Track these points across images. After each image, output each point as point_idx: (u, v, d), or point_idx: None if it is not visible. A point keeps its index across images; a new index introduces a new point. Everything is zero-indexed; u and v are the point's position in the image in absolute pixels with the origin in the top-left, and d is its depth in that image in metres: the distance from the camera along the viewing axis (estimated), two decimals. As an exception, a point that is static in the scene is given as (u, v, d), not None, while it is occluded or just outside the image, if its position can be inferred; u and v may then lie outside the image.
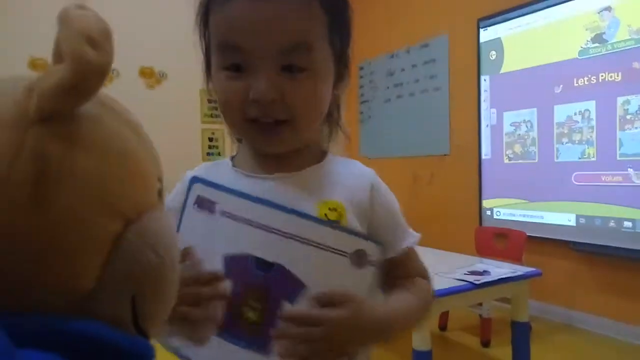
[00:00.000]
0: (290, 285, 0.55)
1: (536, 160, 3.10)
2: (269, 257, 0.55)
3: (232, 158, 0.68)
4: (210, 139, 4.24)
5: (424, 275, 0.68)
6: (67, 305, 0.26)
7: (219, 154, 4.25)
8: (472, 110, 3.54)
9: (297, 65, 0.54)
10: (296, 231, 0.56)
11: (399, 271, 0.64)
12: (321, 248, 0.56)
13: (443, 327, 2.86)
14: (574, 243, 2.88)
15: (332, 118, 0.67)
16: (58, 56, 0.28)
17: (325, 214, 0.58)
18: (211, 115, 4.22)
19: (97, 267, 0.28)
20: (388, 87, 4.38)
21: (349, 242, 0.57)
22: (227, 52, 0.55)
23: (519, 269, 2.04)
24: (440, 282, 1.84)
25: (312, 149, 0.66)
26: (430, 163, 3.96)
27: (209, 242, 0.57)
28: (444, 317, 2.86)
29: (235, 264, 0.56)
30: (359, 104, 4.79)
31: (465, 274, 1.95)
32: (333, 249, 0.56)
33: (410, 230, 0.69)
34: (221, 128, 4.27)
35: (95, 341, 0.26)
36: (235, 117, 0.58)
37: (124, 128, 0.31)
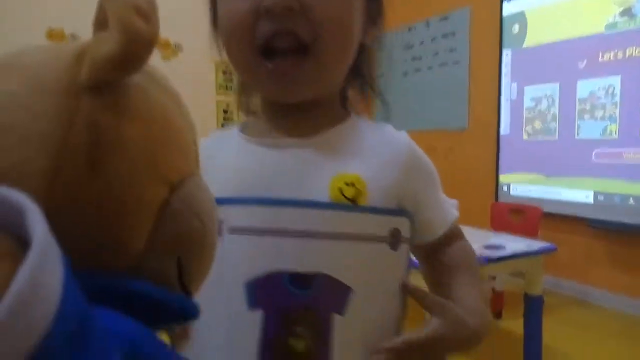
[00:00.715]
0: (337, 294, 0.46)
1: (556, 137, 3.07)
2: (306, 268, 0.45)
3: (244, 124, 0.58)
4: (225, 111, 4.26)
5: (462, 236, 0.61)
6: (120, 266, 0.28)
7: (235, 126, 4.29)
8: (492, 84, 3.49)
9: None
10: (326, 227, 0.46)
11: (445, 243, 0.58)
12: (358, 239, 0.47)
13: (456, 299, 2.90)
14: (591, 220, 2.87)
15: (363, 72, 0.57)
16: (100, 23, 0.27)
17: (340, 189, 0.47)
18: (226, 87, 4.22)
19: (146, 231, 0.29)
20: (406, 61, 4.32)
21: (381, 223, 0.49)
22: None
23: (534, 244, 2.05)
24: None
25: (334, 107, 0.56)
26: (447, 137, 3.94)
27: (221, 273, 0.40)
28: (457, 290, 2.90)
29: (264, 288, 0.45)
30: (376, 77, 4.74)
31: (480, 248, 1.97)
32: (370, 236, 0.48)
33: (448, 199, 0.60)
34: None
35: (149, 299, 0.28)
36: (243, 48, 0.47)
37: (165, 97, 0.32)
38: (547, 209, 2.91)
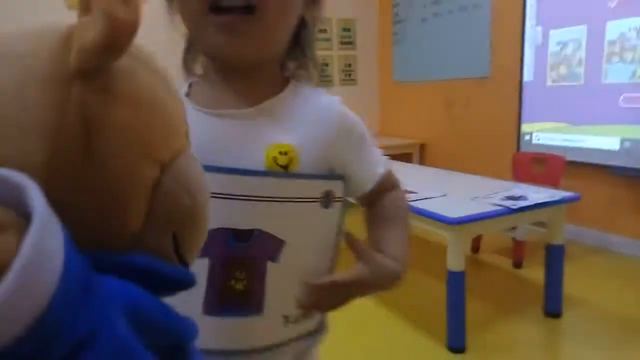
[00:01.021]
0: (271, 246, 0.55)
1: (582, 82, 2.95)
2: (246, 226, 0.54)
3: (189, 87, 0.61)
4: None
5: (396, 185, 0.68)
6: (120, 246, 0.29)
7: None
8: (515, 29, 3.34)
9: None
10: (264, 192, 0.54)
11: (376, 194, 0.64)
12: (292, 201, 0.55)
13: (476, 249, 2.93)
14: (616, 167, 2.81)
15: (302, 45, 0.61)
16: (85, 7, 0.28)
17: (274, 158, 0.54)
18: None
19: (142, 210, 0.30)
20: (425, 6, 4.14)
21: (315, 186, 0.57)
22: None
23: (557, 194, 2.03)
24: (476, 207, 1.86)
25: (273, 74, 0.60)
26: (467, 86, 3.83)
27: None
28: (477, 240, 2.92)
29: (211, 241, 0.49)
30: (393, 25, 4.57)
31: (501, 199, 1.96)
32: (303, 198, 0.56)
33: (379, 153, 0.66)
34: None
35: (148, 271, 0.29)
36: (194, 6, 0.51)
37: (152, 77, 0.32)
38: (570, 157, 2.85)
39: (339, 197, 0.59)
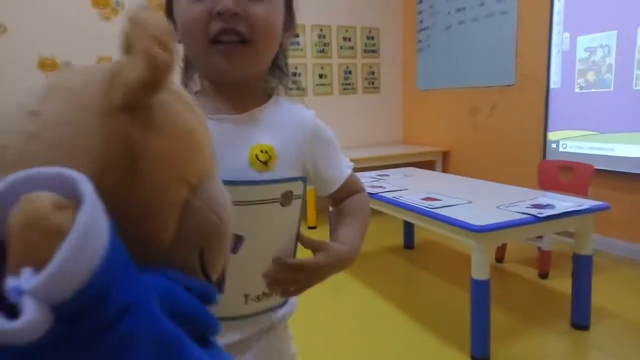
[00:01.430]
0: (233, 240, 0.62)
1: (611, 89, 2.89)
2: None
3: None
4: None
5: (361, 189, 0.80)
6: (152, 259, 0.32)
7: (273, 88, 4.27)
8: (542, 35, 3.30)
9: None
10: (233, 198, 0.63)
11: (343, 194, 0.77)
12: (254, 203, 0.64)
13: (500, 259, 2.88)
14: (647, 177, 2.74)
15: (279, 64, 0.73)
16: (127, 49, 0.32)
17: (256, 155, 0.65)
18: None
19: (172, 227, 0.34)
20: (449, 13, 4.13)
21: (277, 189, 0.66)
22: None
23: (585, 203, 1.99)
24: (501, 215, 1.84)
25: (258, 89, 0.71)
26: (492, 94, 3.79)
27: None
28: (501, 249, 2.88)
29: None
30: (417, 32, 4.57)
31: (528, 207, 1.93)
32: (264, 200, 0.65)
33: (346, 160, 0.79)
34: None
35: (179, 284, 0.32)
36: (198, 37, 0.62)
37: (183, 108, 0.36)
38: (598, 166, 2.79)
39: (297, 195, 0.68)
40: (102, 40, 3.60)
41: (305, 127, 0.71)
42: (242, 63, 0.63)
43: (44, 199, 0.24)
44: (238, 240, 0.63)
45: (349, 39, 4.59)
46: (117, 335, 0.25)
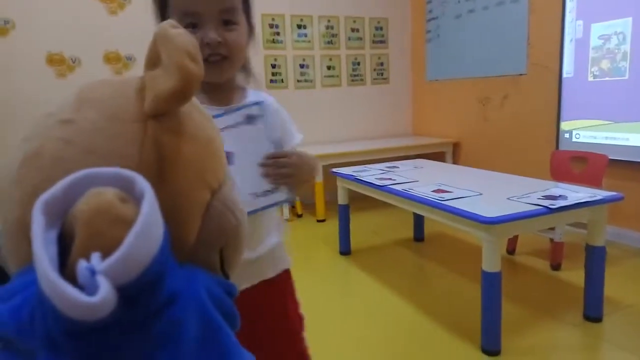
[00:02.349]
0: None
1: (626, 77, 2.83)
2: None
3: None
4: (273, 66, 4.23)
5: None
6: (179, 255, 0.34)
7: (282, 80, 4.25)
8: (554, 23, 3.23)
9: (231, 21, 0.86)
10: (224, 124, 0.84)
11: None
12: (233, 127, 0.85)
13: (511, 251, 2.85)
14: (662, 167, 2.68)
15: (246, 66, 0.99)
16: (152, 63, 0.35)
17: None
18: (273, 41, 4.17)
19: (196, 228, 0.36)
20: (459, 1, 4.07)
21: (242, 115, 0.86)
22: (187, 17, 0.84)
23: (599, 193, 1.95)
24: (512, 207, 1.81)
25: (234, 86, 0.96)
26: (504, 83, 3.74)
27: None
28: (513, 241, 2.85)
29: None
30: (426, 22, 4.51)
31: (539, 198, 1.90)
32: (239, 122, 0.86)
33: (297, 134, 1.04)
34: (283, 54, 4.23)
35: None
36: None
37: (202, 118, 0.40)
38: (612, 156, 2.74)
39: (258, 116, 0.87)
40: (109, 35, 3.60)
41: (272, 106, 0.99)
42: (225, 73, 0.89)
43: (110, 192, 0.27)
44: (229, 155, 0.80)
45: (357, 30, 4.55)
46: (167, 320, 0.28)
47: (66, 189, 0.28)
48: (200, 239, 0.36)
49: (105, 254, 0.25)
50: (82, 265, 0.25)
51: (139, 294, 0.26)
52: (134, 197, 0.28)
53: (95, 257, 0.25)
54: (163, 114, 0.34)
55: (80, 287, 0.24)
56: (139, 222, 0.26)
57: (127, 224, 0.26)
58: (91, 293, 0.24)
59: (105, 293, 0.24)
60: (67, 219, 0.28)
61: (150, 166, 0.33)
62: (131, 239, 0.25)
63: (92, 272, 0.25)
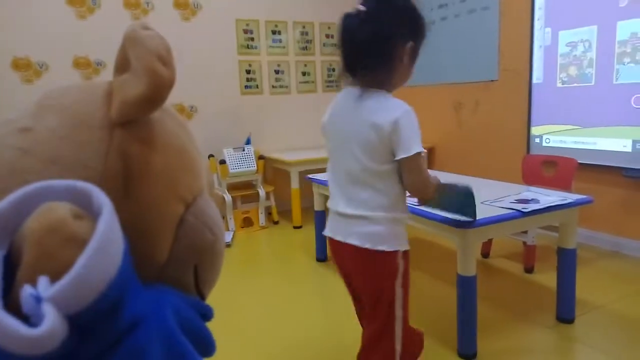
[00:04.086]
0: None
1: (593, 83, 2.91)
2: None
3: None
4: (248, 71, 4.20)
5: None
6: (147, 276, 0.31)
7: (257, 86, 4.22)
8: (524, 30, 3.31)
9: None
10: None
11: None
12: None
13: (486, 254, 2.89)
14: (628, 169, 2.76)
15: None
16: (121, 67, 0.33)
17: None
18: (247, 47, 4.14)
19: (168, 243, 0.34)
20: (432, 9, 4.13)
21: None
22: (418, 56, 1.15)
23: (570, 197, 1.99)
24: (486, 211, 1.83)
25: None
26: (476, 90, 3.80)
27: None
28: (487, 244, 2.88)
29: None
30: (400, 29, 4.55)
31: (512, 202, 1.93)
32: None
33: (408, 149, 1.18)
34: (258, 60, 4.20)
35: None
36: None
37: (177, 126, 0.37)
38: (581, 160, 2.81)
39: None
40: (78, 40, 3.51)
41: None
42: None
43: (63, 207, 0.25)
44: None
45: (332, 36, 4.56)
46: (127, 350, 0.25)
47: (16, 204, 0.25)
48: (172, 256, 0.34)
49: (55, 278, 0.22)
50: (26, 291, 0.22)
51: (95, 323, 0.23)
52: (91, 213, 0.26)
53: (43, 281, 0.22)
54: (131, 121, 0.32)
55: (27, 317, 0.21)
56: (93, 242, 0.23)
57: (80, 243, 0.23)
58: (37, 324, 0.21)
59: (50, 324, 0.21)
60: (17, 237, 0.25)
61: (115, 178, 0.30)
62: (83, 260, 0.23)
63: (38, 300, 0.21)
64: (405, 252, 1.27)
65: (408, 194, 1.27)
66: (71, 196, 0.26)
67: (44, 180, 0.27)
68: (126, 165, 0.30)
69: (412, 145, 1.19)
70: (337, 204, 1.33)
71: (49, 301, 0.21)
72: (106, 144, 0.30)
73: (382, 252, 1.21)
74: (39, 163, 0.29)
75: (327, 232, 1.37)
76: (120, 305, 0.25)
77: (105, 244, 0.23)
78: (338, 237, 1.30)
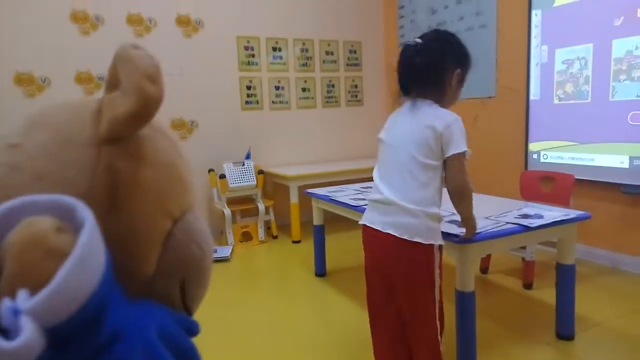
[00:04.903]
0: None
1: (589, 100, 2.95)
2: None
3: None
4: (249, 87, 4.24)
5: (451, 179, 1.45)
6: (134, 291, 0.32)
7: (257, 101, 4.26)
8: (521, 48, 3.36)
9: None
10: None
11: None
12: None
13: (484, 270, 2.88)
14: (625, 185, 2.78)
15: None
16: (112, 85, 0.33)
17: None
18: (248, 63, 4.19)
19: (154, 258, 0.34)
20: (430, 27, 4.18)
21: None
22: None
23: (571, 212, 2.00)
24: (487, 225, 1.84)
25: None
26: (474, 106, 3.84)
27: None
28: (486, 260, 2.88)
29: None
30: (399, 46, 4.61)
31: (515, 217, 1.94)
32: None
33: (457, 146, 1.42)
34: (258, 76, 4.24)
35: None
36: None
37: (166, 142, 0.37)
38: (579, 176, 2.82)
39: None
40: (81, 55, 3.55)
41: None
42: None
43: (45, 221, 0.25)
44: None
45: (332, 53, 4.62)
46: None
47: (0, 219, 0.26)
48: (159, 270, 0.34)
49: (36, 291, 0.22)
50: (4, 304, 0.22)
51: (75, 336, 0.24)
52: (74, 227, 0.26)
53: (22, 294, 0.23)
54: (120, 137, 0.32)
55: (5, 330, 0.22)
56: (73, 255, 0.23)
57: (61, 256, 0.24)
58: (15, 336, 0.21)
59: (27, 337, 0.21)
60: (0, 252, 0.25)
61: (101, 193, 0.31)
62: (63, 273, 0.23)
63: (16, 312, 0.22)
64: (440, 246, 1.46)
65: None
66: (55, 210, 0.26)
67: (25, 196, 0.27)
68: (114, 180, 0.31)
69: (461, 144, 1.47)
70: (380, 191, 1.50)
71: (27, 314, 0.22)
72: (94, 160, 0.31)
73: (419, 243, 1.40)
74: (28, 179, 0.30)
75: (364, 221, 1.56)
76: (101, 318, 0.25)
77: (86, 257, 0.24)
78: (376, 226, 1.48)
